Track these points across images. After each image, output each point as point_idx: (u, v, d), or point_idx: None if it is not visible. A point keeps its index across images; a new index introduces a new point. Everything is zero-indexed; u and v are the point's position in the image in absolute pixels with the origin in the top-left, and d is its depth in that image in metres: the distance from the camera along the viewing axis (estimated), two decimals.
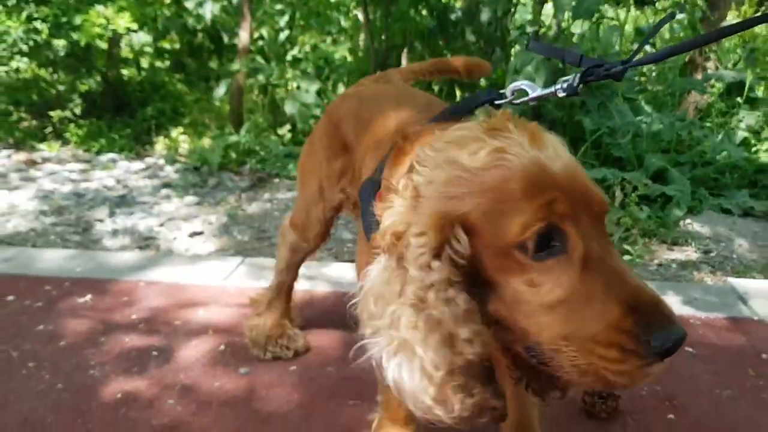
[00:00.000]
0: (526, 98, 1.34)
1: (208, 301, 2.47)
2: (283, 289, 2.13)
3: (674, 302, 2.51)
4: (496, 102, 1.37)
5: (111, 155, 4.96)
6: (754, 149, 4.80)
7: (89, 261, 2.85)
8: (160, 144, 5.28)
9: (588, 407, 1.80)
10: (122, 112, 5.64)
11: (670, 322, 0.90)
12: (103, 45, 5.17)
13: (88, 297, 2.48)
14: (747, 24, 1.23)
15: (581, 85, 1.27)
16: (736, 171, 4.45)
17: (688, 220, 3.82)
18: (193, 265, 2.84)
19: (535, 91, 1.33)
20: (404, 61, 5.44)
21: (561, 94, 1.30)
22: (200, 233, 3.48)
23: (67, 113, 5.10)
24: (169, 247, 3.31)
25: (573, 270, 0.92)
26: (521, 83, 1.36)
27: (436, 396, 0.95)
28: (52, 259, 2.86)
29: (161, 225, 3.59)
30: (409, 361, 0.95)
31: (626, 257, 3.34)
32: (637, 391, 1.90)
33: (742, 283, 2.70)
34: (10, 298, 2.48)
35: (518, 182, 0.93)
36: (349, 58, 5.56)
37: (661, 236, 3.60)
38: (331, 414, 1.79)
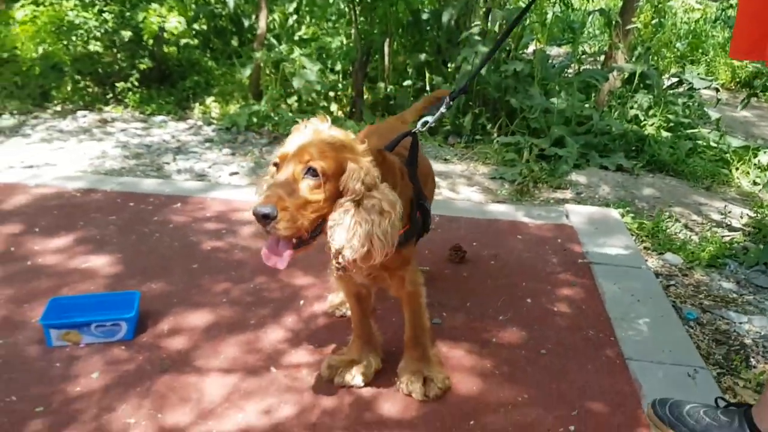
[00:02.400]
0: (426, 125, 2.38)
1: (251, 208, 4.19)
2: None
3: (523, 215, 4.24)
4: (413, 131, 2.39)
5: (161, 117, 6.63)
6: (642, 124, 6.47)
7: (172, 186, 4.57)
8: (197, 109, 6.94)
9: (449, 257, 3.53)
10: (165, 83, 7.31)
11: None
12: (155, 30, 6.81)
13: (179, 204, 4.21)
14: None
15: (451, 103, 2.46)
16: (623, 139, 6.12)
17: (574, 173, 5.52)
18: (238, 190, 4.56)
19: (431, 119, 2.41)
20: (386, 49, 7.05)
21: (444, 110, 2.42)
22: (237, 173, 5.18)
23: (128, 84, 6.77)
24: (218, 181, 5.01)
25: None
26: (426, 118, 2.41)
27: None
28: (148, 184, 4.58)
29: (209, 167, 5.29)
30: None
31: (522, 196, 5.05)
32: (478, 251, 3.63)
33: (572, 208, 4.42)
34: (131, 204, 4.19)
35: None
36: (344, 45, 7.17)
37: (549, 183, 5.30)
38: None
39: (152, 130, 6.23)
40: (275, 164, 1.97)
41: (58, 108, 6.73)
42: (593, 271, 3.45)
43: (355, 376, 2.44)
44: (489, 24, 6.29)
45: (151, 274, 3.30)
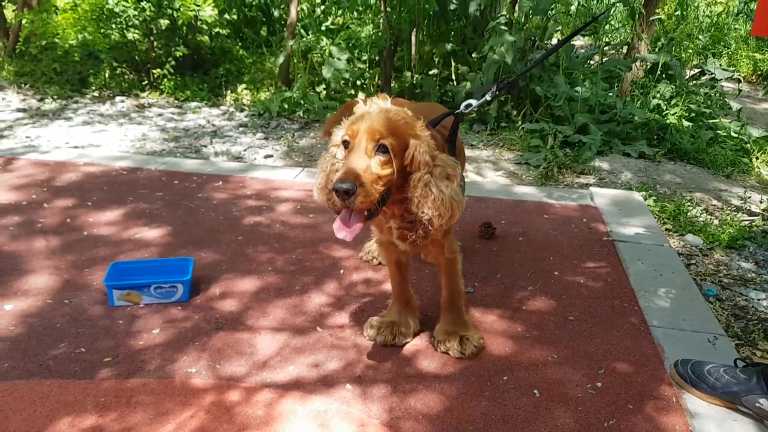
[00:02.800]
0: (470, 108, 2.51)
1: (287, 187, 4.40)
2: None
3: (549, 197, 4.41)
4: (456, 112, 2.53)
5: (195, 103, 6.86)
6: (664, 113, 6.59)
7: (212, 166, 4.79)
8: (229, 96, 7.16)
9: (479, 233, 3.71)
10: (199, 71, 7.54)
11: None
12: (189, 18, 7.05)
13: (220, 183, 4.42)
14: (570, 37, 2.93)
15: (499, 92, 2.56)
16: (645, 128, 6.26)
17: (597, 160, 5.67)
18: (274, 171, 4.77)
19: (475, 102, 2.53)
20: (413, 38, 7.22)
21: (488, 98, 2.53)
22: (271, 156, 5.39)
23: (164, 71, 7.01)
24: (253, 163, 5.23)
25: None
26: (468, 101, 2.53)
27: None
28: (190, 164, 4.80)
29: (245, 150, 5.50)
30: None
31: (547, 180, 5.21)
32: (507, 228, 3.81)
33: (596, 190, 4.58)
34: (176, 181, 4.42)
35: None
36: (372, 35, 7.36)
37: (573, 168, 5.46)
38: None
39: (187, 115, 6.45)
40: (344, 142, 2.14)
41: (96, 93, 6.99)
42: (617, 248, 3.62)
43: (396, 336, 2.64)
44: (515, 13, 6.43)
45: (200, 244, 3.51)
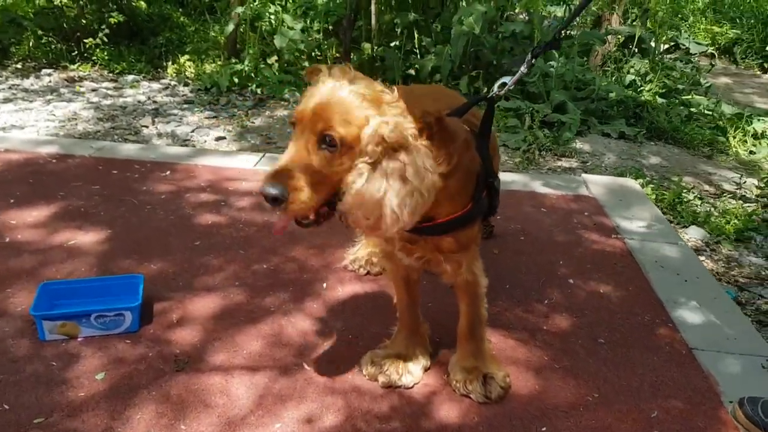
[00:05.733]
0: (504, 88, 2.02)
1: (247, 178, 3.82)
2: None
3: (540, 185, 3.97)
4: (491, 96, 2.02)
5: (132, 76, 6.12)
6: (639, 90, 6.25)
7: (156, 152, 4.15)
8: (170, 68, 6.44)
9: None
10: (135, 39, 6.77)
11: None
12: None
13: (168, 172, 3.81)
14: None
15: (533, 60, 2.01)
16: (621, 105, 5.90)
17: (577, 141, 5.28)
18: (230, 157, 4.17)
19: (509, 80, 2.03)
20: (373, 7, 6.63)
21: (524, 71, 2.00)
22: (223, 138, 4.77)
23: (98, 41, 6.21)
24: (203, 147, 4.60)
25: None
26: (503, 79, 2.04)
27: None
28: (129, 150, 4.15)
29: (192, 131, 4.86)
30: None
31: (529, 164, 4.78)
32: (504, 226, 3.36)
33: (588, 177, 4.18)
34: (114, 171, 3.78)
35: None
36: (329, 2, 6.73)
37: (553, 150, 5.05)
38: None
39: (125, 90, 5.73)
40: (292, 123, 1.66)
41: (19, 66, 6.17)
42: (630, 248, 3.21)
43: (403, 375, 2.15)
44: None
45: (148, 252, 2.93)
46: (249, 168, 3.97)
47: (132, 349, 2.28)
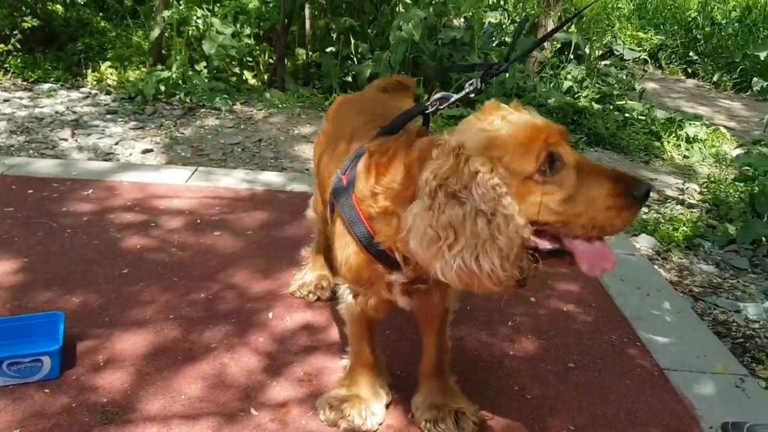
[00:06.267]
0: (445, 104, 1.78)
1: (179, 194, 3.52)
2: (320, 248, 2.62)
3: None
4: (426, 112, 1.79)
5: (49, 84, 5.68)
6: (576, 95, 6.23)
7: (77, 168, 3.79)
8: (90, 76, 6.02)
9: None
10: (52, 46, 6.30)
11: (639, 182, 1.36)
12: None
13: (90, 191, 3.47)
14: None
15: (483, 84, 1.75)
16: (560, 111, 5.86)
17: None
18: (158, 171, 3.85)
19: (451, 98, 1.77)
20: (307, 12, 6.39)
21: (472, 95, 1.75)
22: (150, 150, 4.44)
23: (10, 47, 5.73)
24: (128, 161, 4.27)
25: (573, 172, 1.36)
26: (441, 94, 1.78)
27: (509, 266, 1.33)
28: (47, 166, 3.78)
29: (116, 144, 4.51)
30: (489, 248, 1.32)
31: None
32: None
33: None
34: (30, 191, 3.42)
35: (524, 131, 1.38)
36: (261, 6, 6.44)
37: None
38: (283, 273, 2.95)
39: (40, 100, 5.30)
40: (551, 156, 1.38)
41: None
42: None
43: (367, 417, 1.92)
44: None
45: (69, 282, 2.61)
46: (180, 184, 3.67)
47: (52, 399, 1.98)
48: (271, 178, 3.90)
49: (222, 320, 2.45)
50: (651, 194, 1.38)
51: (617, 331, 2.54)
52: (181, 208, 3.35)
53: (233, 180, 3.77)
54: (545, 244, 1.40)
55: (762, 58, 6.58)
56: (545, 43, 6.49)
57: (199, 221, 3.23)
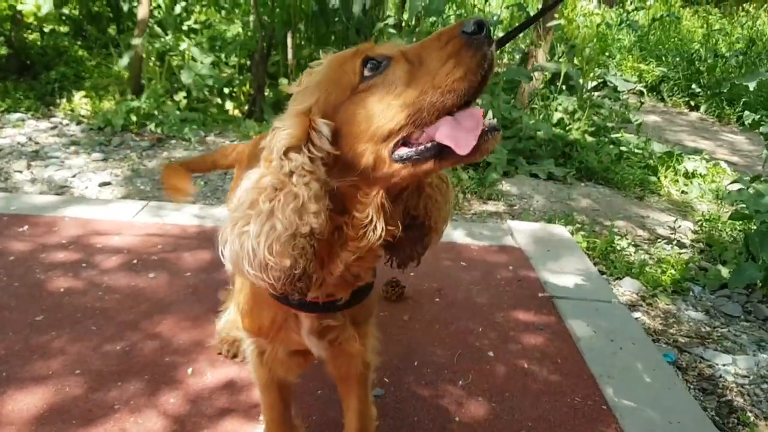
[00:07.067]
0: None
1: (121, 231, 3.27)
2: None
3: (463, 235, 3.56)
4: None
5: (19, 114, 5.50)
6: (567, 128, 5.99)
7: (18, 202, 3.56)
8: (63, 106, 5.84)
9: (384, 294, 2.79)
10: (26, 75, 6.14)
11: (467, 20, 1.12)
12: (7, 11, 5.68)
13: (26, 227, 3.22)
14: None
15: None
16: (550, 144, 5.61)
17: (503, 182, 4.93)
18: (106, 206, 3.61)
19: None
20: (289, 41, 6.22)
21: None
22: (108, 183, 4.21)
23: None
24: (82, 194, 4.03)
25: (400, 59, 1.16)
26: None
27: (279, 251, 1.13)
28: None
29: (74, 176, 4.28)
30: (261, 224, 1.14)
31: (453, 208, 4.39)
32: (418, 284, 2.91)
33: (515, 224, 3.79)
34: None
35: (338, 59, 1.22)
36: (242, 35, 6.29)
37: (479, 193, 4.67)
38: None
39: (4, 130, 5.10)
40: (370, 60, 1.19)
41: None
42: (559, 309, 2.80)
43: None
44: (405, 15, 5.60)
45: None
46: (125, 220, 3.42)
47: None
48: (225, 213, 3.64)
49: (134, 376, 2.17)
50: (486, 26, 1.09)
51: (582, 391, 2.24)
52: (120, 247, 3.10)
53: (183, 216, 3.52)
54: (420, 147, 1.14)
55: (750, 89, 6.32)
56: (535, 74, 6.27)
57: (135, 261, 2.97)
